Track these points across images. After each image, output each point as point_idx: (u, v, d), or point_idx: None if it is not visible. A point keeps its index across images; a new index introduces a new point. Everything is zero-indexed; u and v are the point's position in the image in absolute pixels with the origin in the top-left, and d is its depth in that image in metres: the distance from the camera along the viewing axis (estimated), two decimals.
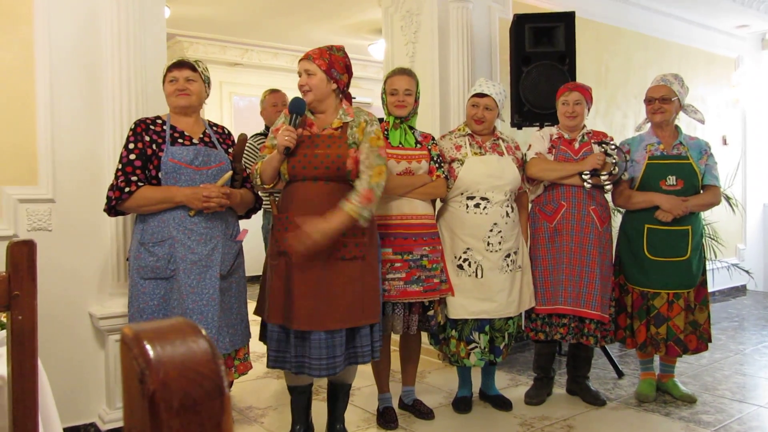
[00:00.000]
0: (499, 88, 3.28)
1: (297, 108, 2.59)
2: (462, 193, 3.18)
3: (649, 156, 3.40)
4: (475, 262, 3.16)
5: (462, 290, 3.16)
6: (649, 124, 3.53)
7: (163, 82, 2.69)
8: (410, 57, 4.33)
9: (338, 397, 2.91)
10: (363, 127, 2.66)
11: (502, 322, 3.23)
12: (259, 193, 2.88)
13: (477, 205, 3.16)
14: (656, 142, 3.43)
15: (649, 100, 3.46)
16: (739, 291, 6.87)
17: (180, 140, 2.62)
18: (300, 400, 2.88)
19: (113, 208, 2.55)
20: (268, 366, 2.69)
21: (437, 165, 3.13)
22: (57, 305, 2.88)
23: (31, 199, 2.85)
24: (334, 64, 2.66)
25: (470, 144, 3.26)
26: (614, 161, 3.27)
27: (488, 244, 3.15)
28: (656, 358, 3.61)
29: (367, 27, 6.74)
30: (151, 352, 0.44)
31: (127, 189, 2.50)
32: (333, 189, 2.58)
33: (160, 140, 2.59)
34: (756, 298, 6.75)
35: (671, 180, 3.35)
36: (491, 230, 3.15)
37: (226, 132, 2.86)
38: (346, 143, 2.61)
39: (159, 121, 2.66)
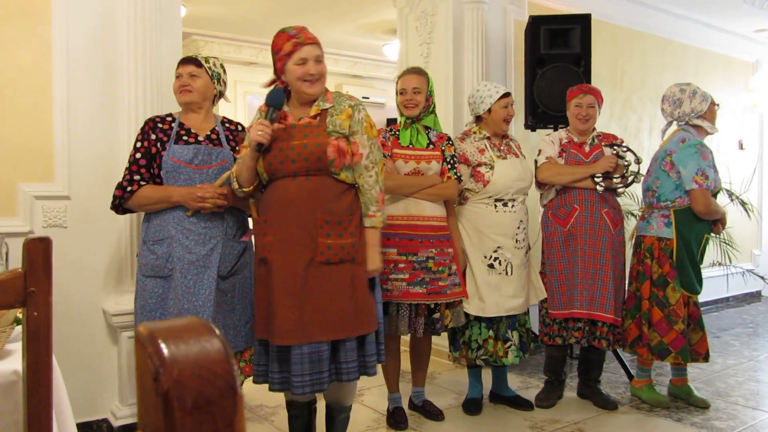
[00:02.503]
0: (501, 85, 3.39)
1: (275, 101, 2.37)
2: (491, 196, 3.19)
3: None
4: (505, 260, 3.18)
5: (495, 288, 3.17)
6: (692, 127, 3.42)
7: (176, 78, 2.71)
8: (425, 57, 4.33)
9: (335, 421, 2.62)
10: (350, 114, 2.40)
11: (522, 317, 3.29)
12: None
13: (505, 204, 3.19)
14: None
15: (714, 104, 3.44)
16: (754, 297, 6.79)
17: (185, 138, 2.59)
18: (297, 421, 2.58)
19: (118, 206, 2.58)
20: (253, 382, 2.49)
21: (449, 166, 3.12)
22: (71, 302, 2.91)
23: (47, 196, 2.88)
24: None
25: (490, 147, 3.26)
26: (626, 164, 3.25)
27: (516, 241, 3.20)
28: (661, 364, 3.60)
29: (382, 27, 6.73)
30: (165, 351, 0.45)
31: (129, 188, 2.53)
32: (315, 185, 2.32)
33: (165, 138, 2.58)
34: None
35: None
36: (518, 227, 3.21)
37: (240, 128, 2.79)
38: (326, 131, 2.34)
39: (168, 119, 2.66)
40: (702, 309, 3.51)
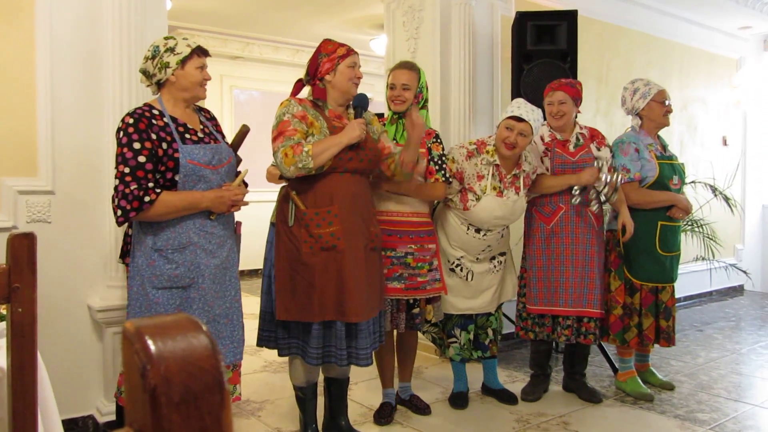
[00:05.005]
0: (537, 114, 3.09)
1: (363, 103, 2.68)
2: (467, 220, 3.18)
3: (655, 156, 3.48)
4: (466, 268, 3.24)
5: (452, 289, 3.23)
6: (638, 125, 3.59)
7: (182, 64, 2.37)
8: (411, 53, 4.33)
9: (343, 392, 2.90)
10: (377, 120, 2.88)
11: (483, 319, 3.31)
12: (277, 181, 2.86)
13: (478, 231, 3.19)
14: (654, 143, 3.53)
15: (664, 103, 3.54)
16: (737, 291, 6.88)
17: (187, 135, 2.37)
18: (313, 399, 2.85)
19: (129, 219, 2.24)
20: (312, 363, 2.62)
21: (437, 167, 3.04)
22: (56, 297, 2.88)
23: (30, 191, 2.85)
24: None
25: (492, 175, 3.12)
26: (606, 182, 3.16)
27: (477, 258, 3.25)
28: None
29: (369, 22, 6.72)
30: (152, 347, 0.45)
31: (147, 198, 2.20)
32: (366, 182, 2.73)
33: (168, 138, 2.30)
34: (753, 298, 6.76)
35: (675, 179, 3.51)
36: (484, 249, 3.24)
37: (212, 116, 2.65)
38: (373, 139, 2.72)
39: (156, 112, 2.35)
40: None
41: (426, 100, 3.14)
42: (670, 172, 3.48)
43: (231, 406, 0.49)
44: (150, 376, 0.44)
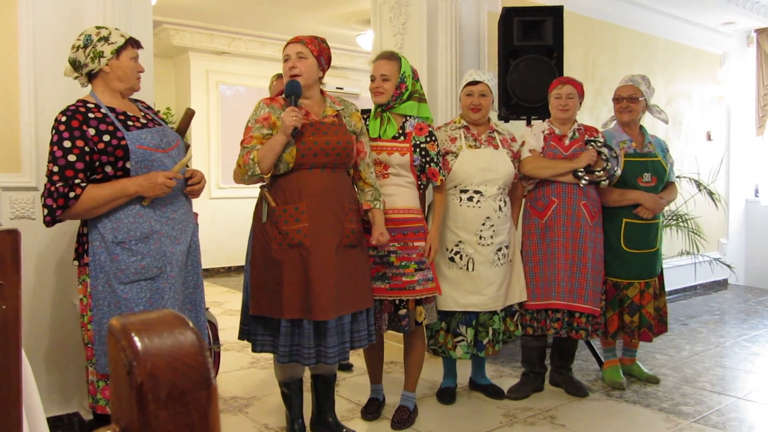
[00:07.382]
0: (489, 75, 3.31)
1: (294, 90, 2.56)
2: (455, 186, 3.16)
3: (624, 153, 3.50)
4: (466, 255, 3.14)
5: (452, 282, 3.14)
6: (615, 122, 3.68)
7: (117, 54, 2.32)
8: (398, 48, 4.32)
9: (329, 389, 2.90)
10: (359, 116, 2.78)
11: (486, 316, 3.20)
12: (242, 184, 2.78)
13: (470, 198, 3.13)
14: (628, 140, 3.55)
15: (617, 99, 3.61)
16: (721, 285, 6.95)
17: (129, 122, 2.30)
18: (298, 394, 2.85)
19: (56, 219, 2.20)
20: (281, 362, 2.61)
21: (438, 166, 2.99)
22: (40, 294, 2.86)
23: (14, 187, 2.82)
24: (323, 53, 2.68)
25: (465, 136, 3.22)
26: (605, 158, 3.30)
27: (480, 237, 3.13)
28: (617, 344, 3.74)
29: (356, 17, 6.71)
30: (138, 344, 0.45)
31: (72, 194, 2.16)
32: (341, 177, 2.66)
33: (110, 128, 2.23)
34: (737, 292, 6.84)
35: (647, 177, 3.52)
36: (483, 224, 3.13)
37: (148, 105, 2.60)
38: (348, 131, 2.67)
39: (91, 106, 2.28)
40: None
41: (409, 92, 2.97)
42: (638, 170, 3.50)
43: (218, 402, 0.48)
44: (136, 372, 0.44)
